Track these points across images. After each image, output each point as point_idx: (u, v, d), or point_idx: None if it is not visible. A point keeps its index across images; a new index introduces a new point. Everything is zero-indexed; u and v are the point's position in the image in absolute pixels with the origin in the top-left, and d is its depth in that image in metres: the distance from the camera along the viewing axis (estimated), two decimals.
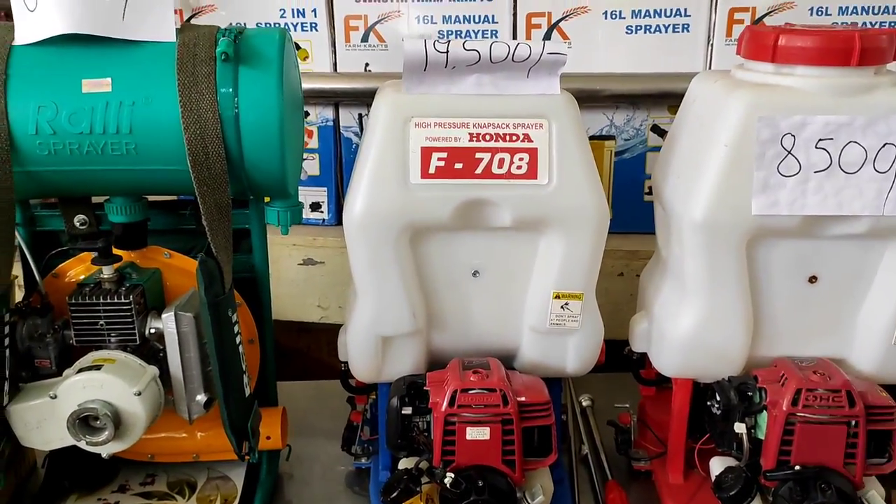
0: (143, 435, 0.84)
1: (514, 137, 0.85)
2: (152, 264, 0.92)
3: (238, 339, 0.86)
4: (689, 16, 1.32)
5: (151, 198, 0.95)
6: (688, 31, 1.33)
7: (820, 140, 0.80)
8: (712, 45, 1.32)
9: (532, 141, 0.85)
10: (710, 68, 1.34)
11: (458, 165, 0.85)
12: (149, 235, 0.95)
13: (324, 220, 1.52)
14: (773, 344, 0.90)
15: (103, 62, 0.81)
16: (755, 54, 0.85)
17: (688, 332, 0.88)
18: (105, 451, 0.83)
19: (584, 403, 1.23)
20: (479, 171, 0.85)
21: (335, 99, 1.44)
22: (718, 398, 0.88)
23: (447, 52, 0.82)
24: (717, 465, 0.91)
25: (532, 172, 0.85)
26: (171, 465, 1.05)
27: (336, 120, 1.46)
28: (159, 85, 0.79)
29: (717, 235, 0.83)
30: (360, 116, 1.45)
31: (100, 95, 0.80)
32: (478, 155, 0.85)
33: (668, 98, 1.35)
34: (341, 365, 1.02)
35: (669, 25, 1.34)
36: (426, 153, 0.84)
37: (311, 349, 1.66)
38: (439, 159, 0.84)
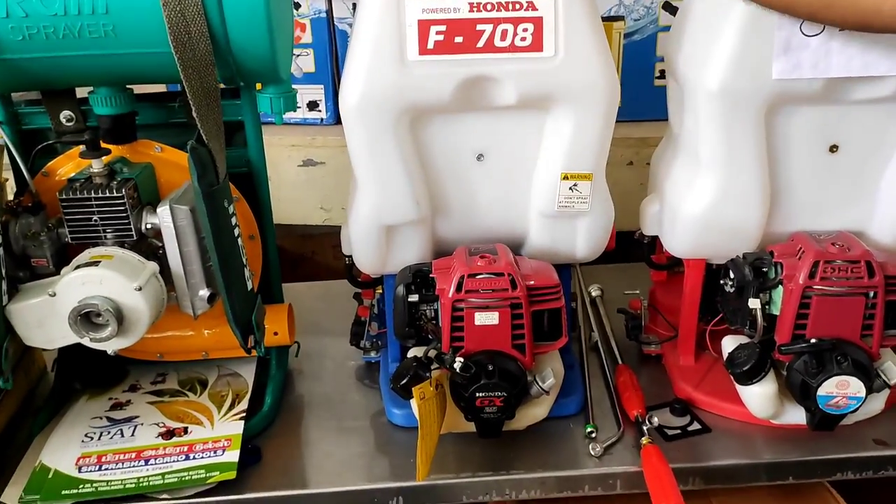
0: (147, 332, 0.82)
1: (518, 6, 0.79)
2: (143, 159, 0.89)
3: (237, 232, 0.84)
4: None
5: (139, 90, 0.91)
6: None
7: None
8: None
9: (537, 9, 0.79)
10: None
11: (458, 39, 0.79)
12: (138, 130, 0.91)
13: (322, 119, 1.47)
14: (790, 218, 0.87)
15: None
16: None
17: (702, 209, 0.85)
18: (110, 347, 0.82)
19: (594, 293, 1.22)
20: (480, 44, 0.80)
21: None
22: (732, 275, 0.86)
23: None
24: (729, 344, 0.89)
25: (537, 44, 0.80)
26: (182, 364, 1.05)
27: (329, 11, 1.39)
28: None
29: (734, 104, 0.79)
30: (354, 6, 1.37)
31: None
32: (479, 27, 0.79)
33: None
34: (346, 259, 0.99)
35: None
36: (423, 27, 0.79)
37: (315, 254, 1.64)
38: (437, 33, 0.79)
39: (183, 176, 0.88)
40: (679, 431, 0.92)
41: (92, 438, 0.91)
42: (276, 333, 0.99)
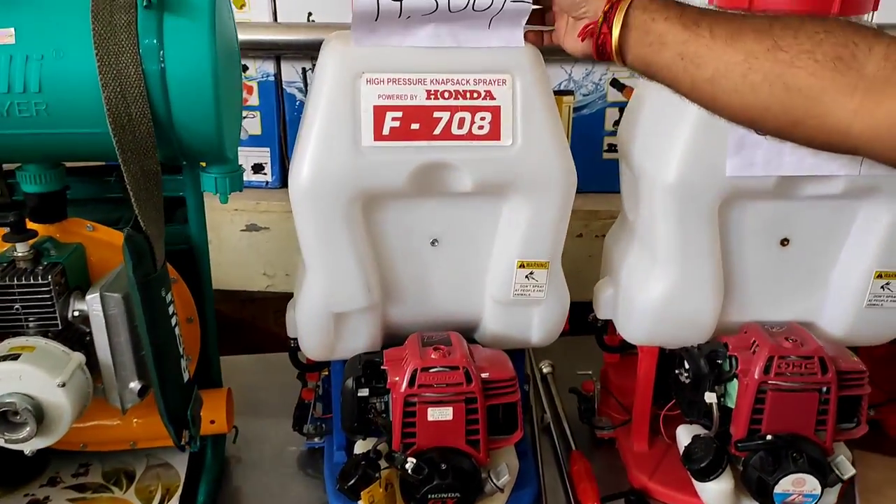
0: (69, 428, 0.75)
1: (476, 94, 0.78)
2: (74, 238, 0.83)
3: (174, 321, 0.78)
4: None
5: (71, 163, 0.85)
6: None
7: None
8: None
9: (494, 98, 0.78)
10: None
11: (415, 126, 0.77)
12: (69, 205, 0.85)
13: (267, 182, 1.43)
14: (742, 309, 0.87)
15: (4, 9, 0.70)
16: (729, 3, 0.80)
17: (658, 299, 0.84)
18: (28, 447, 0.75)
19: (545, 370, 1.19)
20: (437, 131, 0.78)
21: (276, 52, 1.33)
22: (687, 366, 0.85)
23: None
24: (684, 435, 0.88)
25: (495, 133, 0.79)
26: (108, 453, 0.97)
27: (278, 74, 1.36)
28: (72, 35, 0.69)
29: (689, 198, 0.79)
30: (304, 71, 1.35)
31: (2, 49, 0.69)
32: (436, 114, 0.77)
33: None
34: (290, 342, 0.95)
35: None
36: (379, 112, 0.77)
37: (256, 319, 1.58)
38: (394, 119, 0.77)
39: (116, 257, 0.82)
40: None
41: None
42: (212, 422, 0.92)
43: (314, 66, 1.37)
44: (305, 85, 1.36)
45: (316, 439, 1.02)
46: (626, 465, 0.98)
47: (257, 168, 1.43)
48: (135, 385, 0.79)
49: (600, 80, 1.34)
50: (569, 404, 1.11)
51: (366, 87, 0.76)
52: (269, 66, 1.35)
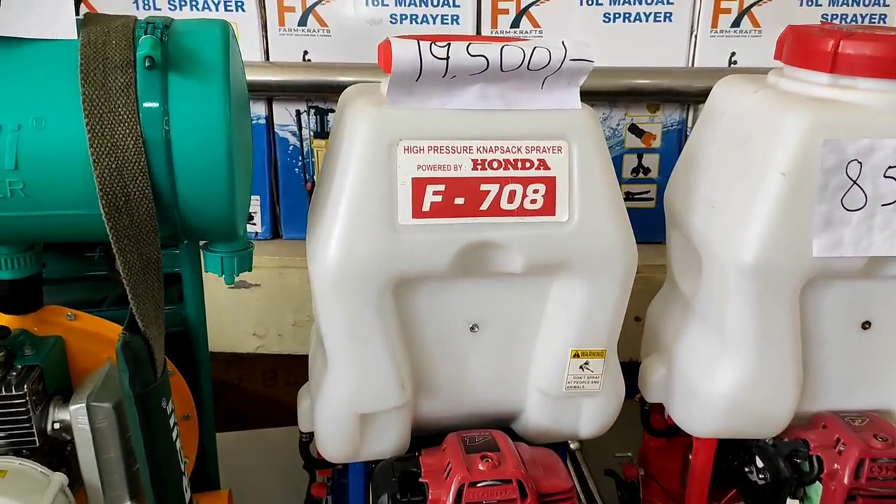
0: None
1: (528, 164, 0.68)
2: (52, 330, 0.70)
3: (175, 433, 0.66)
4: (672, 3, 1.18)
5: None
6: (670, 20, 1.19)
7: (890, 167, 0.68)
8: (696, 36, 1.19)
9: (549, 168, 0.68)
10: (693, 63, 1.21)
11: (459, 200, 0.67)
12: (45, 285, 0.72)
13: (256, 233, 1.30)
14: (816, 397, 0.78)
15: None
16: (806, 61, 0.72)
17: (729, 391, 0.74)
18: None
19: (572, 446, 1.09)
20: (484, 206, 0.67)
21: (268, 93, 1.21)
22: (760, 465, 0.75)
23: (447, 57, 0.63)
24: None
25: (549, 207, 0.69)
26: None
27: (269, 117, 1.24)
28: (55, 101, 0.57)
29: (770, 281, 0.70)
30: (299, 113, 1.24)
31: None
32: (483, 186, 0.67)
33: (648, 96, 1.22)
34: (302, 436, 0.83)
35: (650, 14, 1.20)
36: (419, 185, 0.66)
37: (242, 381, 1.45)
38: (435, 193, 0.66)
39: (101, 349, 0.70)
40: None
41: None
42: None
43: (310, 108, 1.27)
44: (299, 127, 1.24)
45: None
46: None
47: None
48: None
49: (618, 125, 1.26)
50: (604, 486, 1.01)
51: (403, 157, 0.66)
52: (261, 109, 1.23)
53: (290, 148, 1.26)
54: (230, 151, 0.62)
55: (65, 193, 0.58)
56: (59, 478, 0.64)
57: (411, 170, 0.66)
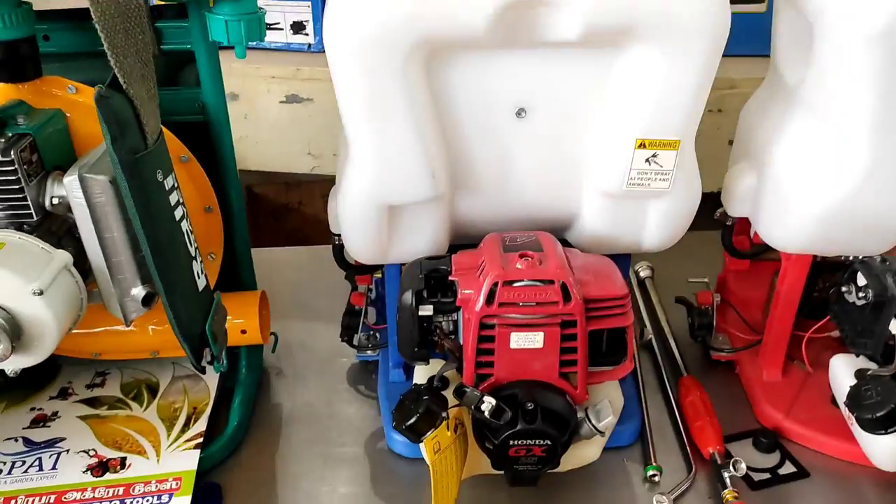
0: (58, 344, 0.60)
1: None
2: (51, 103, 0.64)
3: (180, 213, 0.60)
4: None
5: (46, 3, 0.65)
6: None
7: None
8: None
9: None
10: None
11: None
12: (46, 62, 0.65)
13: (309, 45, 1.20)
14: None
15: None
16: None
17: (833, 197, 0.61)
18: (7, 367, 0.60)
19: (643, 274, 0.99)
20: None
21: None
22: (862, 283, 0.63)
23: None
24: (843, 368, 0.68)
25: None
26: (130, 361, 0.83)
27: None
28: None
29: None
30: None
31: None
32: None
33: None
34: (334, 238, 0.76)
35: None
36: None
37: (303, 205, 1.40)
38: None
39: None
40: (768, 476, 0.71)
41: (0, 471, 0.69)
42: (243, 332, 0.76)
43: None
44: None
45: (368, 352, 0.85)
46: (753, 398, 0.79)
47: (297, 27, 1.20)
48: (137, 292, 0.63)
49: None
50: (674, 317, 0.91)
51: None
52: None
53: None
54: None
55: None
56: (63, 255, 0.60)
57: None
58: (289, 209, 1.39)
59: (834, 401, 0.74)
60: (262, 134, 1.22)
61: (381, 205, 0.63)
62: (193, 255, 0.62)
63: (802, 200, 0.63)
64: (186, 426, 0.74)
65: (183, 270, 0.60)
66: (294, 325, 0.92)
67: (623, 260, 0.72)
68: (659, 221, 0.67)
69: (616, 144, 0.62)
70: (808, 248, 0.66)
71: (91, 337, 0.76)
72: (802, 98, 0.64)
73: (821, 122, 0.62)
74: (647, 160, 0.62)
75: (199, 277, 0.63)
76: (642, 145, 0.61)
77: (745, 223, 0.77)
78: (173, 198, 0.59)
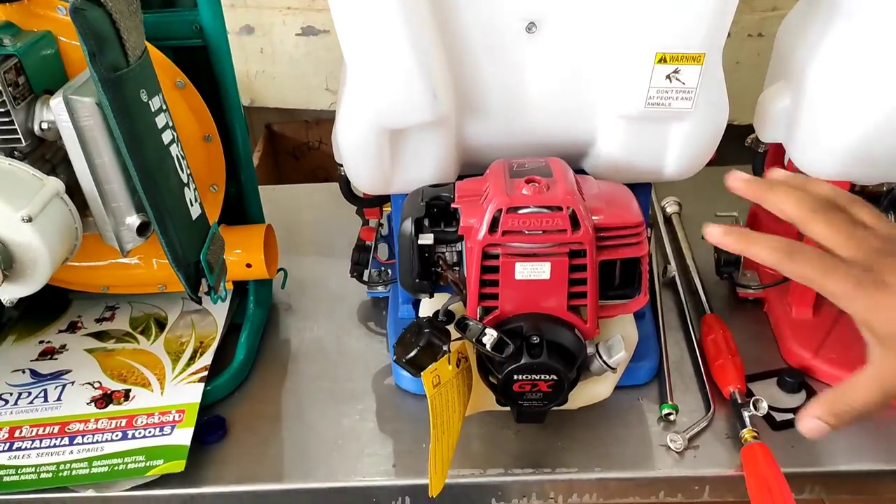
0: (81, 260, 0.59)
1: None
2: (41, 24, 0.61)
3: (169, 137, 0.57)
4: None
5: None
6: None
7: None
8: None
9: None
10: None
11: None
12: None
13: None
14: None
15: None
16: None
17: (879, 115, 0.55)
18: (3, 297, 0.59)
19: (669, 210, 0.94)
20: None
21: None
22: None
23: None
24: None
25: None
26: (139, 295, 0.82)
27: None
28: None
29: None
30: None
31: None
32: None
33: None
34: (339, 168, 0.73)
35: None
36: None
37: (323, 143, 1.37)
38: None
39: None
40: (792, 416, 0.67)
41: (7, 402, 0.69)
42: (249, 265, 0.75)
43: None
44: None
45: (379, 288, 0.83)
46: (780, 337, 0.74)
47: None
48: (132, 221, 0.61)
49: None
50: (700, 254, 0.87)
51: None
52: None
53: None
54: None
55: None
56: (54, 182, 0.58)
57: None
58: (309, 148, 1.37)
59: None
60: (279, 68, 1.19)
61: (380, 128, 0.60)
62: (185, 181, 0.60)
63: (840, 120, 0.58)
64: (192, 360, 0.74)
65: (174, 197, 0.58)
66: (307, 262, 0.91)
67: (643, 189, 0.67)
68: (681, 146, 0.62)
69: (634, 60, 0.57)
70: (846, 174, 0.61)
71: (98, 270, 0.75)
72: (842, 5, 0.58)
73: (862, 31, 0.55)
74: (667, 77, 0.57)
75: (192, 205, 0.61)
76: (662, 60, 0.56)
77: (778, 151, 0.72)
78: (160, 120, 0.56)
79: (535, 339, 0.57)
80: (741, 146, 0.74)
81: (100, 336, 0.78)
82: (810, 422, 0.45)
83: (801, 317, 0.74)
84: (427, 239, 0.58)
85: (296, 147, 1.36)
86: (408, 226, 0.58)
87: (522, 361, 0.57)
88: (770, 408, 0.67)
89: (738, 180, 0.49)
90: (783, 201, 0.47)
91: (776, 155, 0.75)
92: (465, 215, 0.57)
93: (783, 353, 0.73)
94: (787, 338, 0.73)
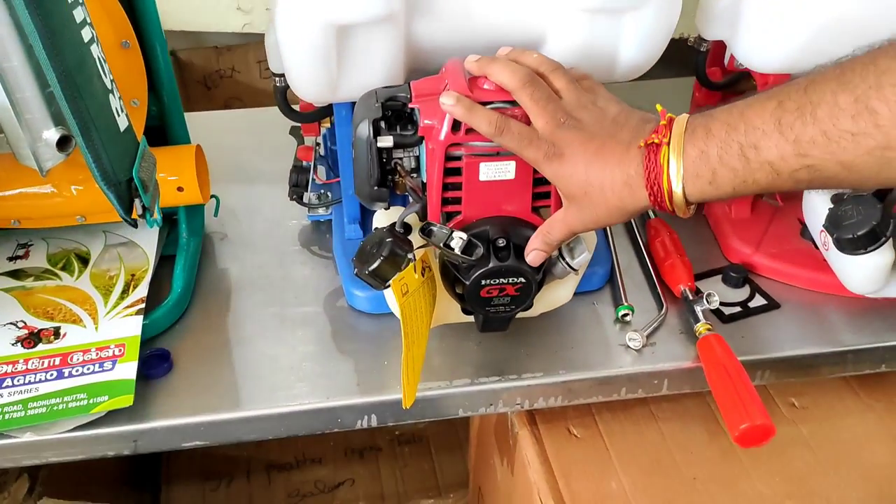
0: None
1: None
2: None
3: (89, 34, 0.51)
4: None
5: None
6: None
7: None
8: None
9: None
10: None
11: None
12: None
13: None
14: None
15: None
16: None
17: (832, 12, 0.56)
18: None
19: None
20: None
21: None
22: None
23: None
24: (818, 193, 0.65)
25: None
26: (54, 231, 0.75)
27: None
28: None
29: None
30: None
31: None
32: None
33: None
34: (275, 80, 0.68)
35: None
36: None
37: (236, 71, 1.29)
38: None
39: None
40: (739, 310, 0.70)
41: None
42: (180, 189, 0.69)
43: None
44: None
45: (321, 211, 0.79)
46: (720, 236, 0.77)
47: None
48: (50, 135, 0.54)
49: None
50: None
51: None
52: None
53: None
54: None
55: None
56: None
57: None
58: (221, 76, 1.28)
59: (804, 233, 0.72)
60: None
61: (326, 24, 0.55)
62: (110, 87, 0.54)
63: (789, 16, 0.58)
64: (125, 293, 0.68)
65: (99, 104, 0.52)
66: (236, 189, 0.85)
67: None
68: (635, 39, 0.60)
69: None
70: (793, 65, 0.61)
71: (7, 201, 0.68)
72: None
73: None
74: None
75: (118, 115, 0.55)
76: None
77: (719, 51, 0.72)
78: (78, 14, 0.50)
79: (502, 243, 0.56)
80: (679, 55, 0.74)
81: (15, 275, 0.71)
82: (533, 253, 0.55)
83: (740, 216, 0.76)
84: (386, 142, 0.54)
85: (207, 75, 1.27)
86: (364, 128, 0.54)
87: (491, 265, 0.55)
88: (720, 305, 0.69)
89: (470, 62, 0.54)
90: (500, 72, 0.52)
91: (716, 58, 0.75)
92: (424, 115, 0.54)
93: (724, 252, 0.76)
94: (728, 236, 0.75)
